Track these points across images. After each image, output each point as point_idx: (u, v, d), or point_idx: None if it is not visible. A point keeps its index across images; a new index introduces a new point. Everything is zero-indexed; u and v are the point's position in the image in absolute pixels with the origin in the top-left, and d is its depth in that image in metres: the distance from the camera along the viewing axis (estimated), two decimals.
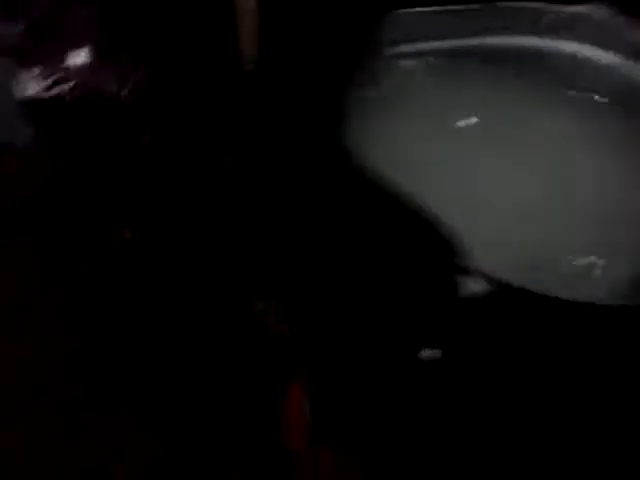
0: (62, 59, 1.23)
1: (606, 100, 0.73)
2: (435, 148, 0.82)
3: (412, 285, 0.64)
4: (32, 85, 1.18)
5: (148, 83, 1.19)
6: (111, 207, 1.03)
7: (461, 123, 0.82)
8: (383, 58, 0.75)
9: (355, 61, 0.73)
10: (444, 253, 0.60)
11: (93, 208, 1.03)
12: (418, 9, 0.73)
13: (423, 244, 0.65)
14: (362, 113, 0.72)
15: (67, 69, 1.21)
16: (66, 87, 1.18)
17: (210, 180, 0.98)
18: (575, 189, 0.79)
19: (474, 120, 0.82)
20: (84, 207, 1.04)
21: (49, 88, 1.18)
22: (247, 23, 1.17)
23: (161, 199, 1.01)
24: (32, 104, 1.13)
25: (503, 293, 0.56)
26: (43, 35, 1.27)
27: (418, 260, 0.63)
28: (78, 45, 1.25)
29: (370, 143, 0.66)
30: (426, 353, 0.62)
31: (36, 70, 1.20)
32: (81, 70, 1.22)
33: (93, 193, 1.05)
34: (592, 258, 0.73)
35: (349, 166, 0.66)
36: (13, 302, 0.95)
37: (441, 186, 0.78)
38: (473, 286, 0.55)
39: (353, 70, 0.73)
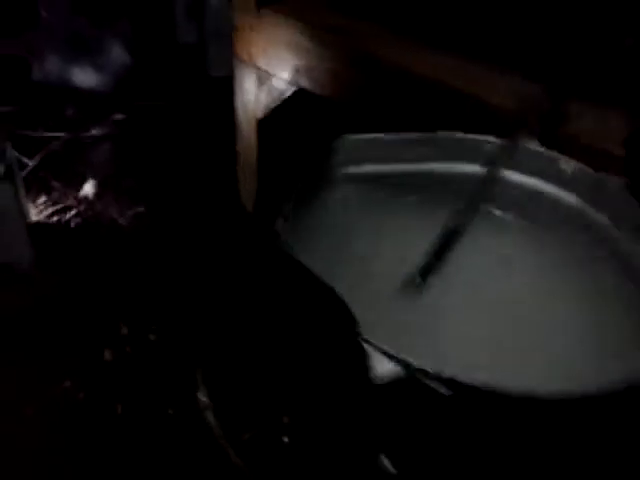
0: (68, 191, 1.34)
1: (526, 221, 0.80)
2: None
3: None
4: (37, 212, 1.27)
5: (146, 215, 1.29)
6: (102, 326, 1.06)
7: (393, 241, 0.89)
8: (332, 178, 0.83)
9: (310, 183, 0.80)
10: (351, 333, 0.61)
11: (85, 326, 1.07)
12: (367, 135, 0.83)
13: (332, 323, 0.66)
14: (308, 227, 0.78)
15: (72, 199, 1.32)
16: (69, 215, 1.28)
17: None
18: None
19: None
20: (77, 325, 1.07)
21: (52, 215, 1.27)
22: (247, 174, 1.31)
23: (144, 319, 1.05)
24: (35, 228, 1.21)
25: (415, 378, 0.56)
26: (53, 170, 1.39)
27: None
28: (84, 180, 1.37)
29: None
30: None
31: (42, 199, 1.31)
32: (84, 200, 1.32)
33: (86, 312, 1.09)
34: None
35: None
36: None
37: None
38: (379, 367, 0.55)
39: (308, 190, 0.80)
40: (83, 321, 1.07)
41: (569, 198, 0.80)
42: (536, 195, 0.83)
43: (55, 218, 1.27)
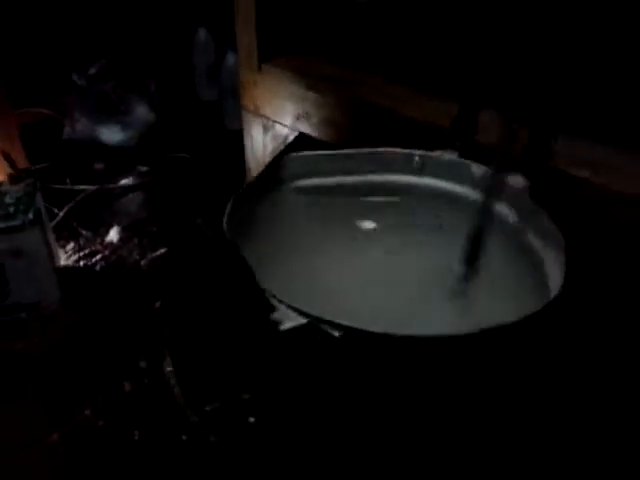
0: (94, 237, 1.45)
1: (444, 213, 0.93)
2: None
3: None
4: (65, 257, 1.38)
5: (167, 258, 1.39)
6: (123, 360, 1.14)
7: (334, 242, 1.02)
8: (282, 190, 0.92)
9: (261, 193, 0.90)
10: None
11: (107, 360, 1.14)
12: (314, 152, 0.92)
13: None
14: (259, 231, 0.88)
15: (98, 245, 1.42)
16: (95, 259, 1.38)
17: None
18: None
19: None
20: (99, 359, 1.15)
21: (79, 260, 1.37)
22: None
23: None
24: (63, 271, 1.31)
25: (314, 326, 0.65)
26: (81, 218, 1.51)
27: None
28: (110, 227, 1.48)
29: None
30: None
31: (70, 245, 1.42)
32: (110, 245, 1.42)
33: (108, 348, 1.17)
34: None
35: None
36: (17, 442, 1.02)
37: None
38: (283, 320, 0.64)
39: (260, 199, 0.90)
40: (105, 356, 1.15)
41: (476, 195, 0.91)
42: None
43: (82, 262, 1.37)
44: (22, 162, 1.38)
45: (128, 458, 0.97)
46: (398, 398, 0.78)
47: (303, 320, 0.65)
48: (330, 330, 0.63)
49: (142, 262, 1.37)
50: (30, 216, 1.15)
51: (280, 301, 0.66)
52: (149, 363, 1.12)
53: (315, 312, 0.65)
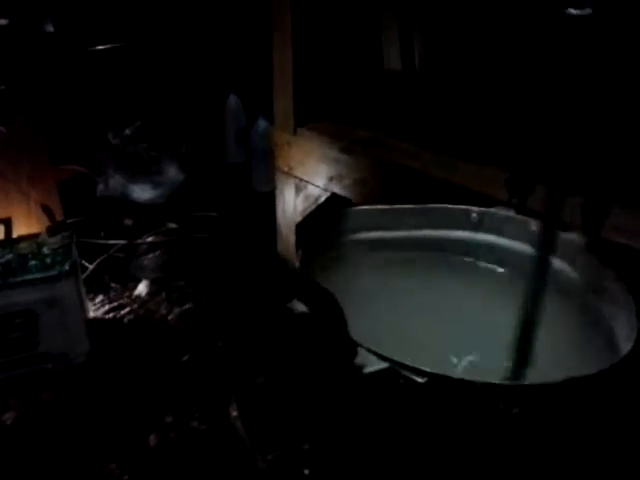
0: (123, 291, 1.47)
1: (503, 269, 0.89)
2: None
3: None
4: (94, 309, 1.40)
5: (192, 313, 1.40)
6: (149, 414, 1.13)
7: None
8: (342, 244, 0.94)
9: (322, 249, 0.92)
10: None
11: (133, 414, 1.14)
12: (367, 207, 0.95)
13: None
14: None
15: (127, 298, 1.44)
16: (123, 312, 1.39)
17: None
18: None
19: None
20: (125, 412, 1.14)
21: (109, 312, 1.39)
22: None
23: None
24: (92, 323, 1.33)
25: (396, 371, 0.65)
26: (111, 272, 1.53)
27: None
28: (138, 281, 1.50)
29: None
30: None
31: (100, 297, 1.44)
32: (138, 299, 1.44)
33: (134, 401, 1.16)
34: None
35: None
36: None
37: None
38: (366, 362, 0.64)
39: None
40: (131, 409, 1.14)
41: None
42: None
43: (111, 314, 1.38)
44: (59, 216, 1.42)
45: None
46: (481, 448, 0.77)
47: (384, 364, 0.66)
48: (412, 375, 0.64)
49: (169, 316, 1.39)
50: (66, 267, 1.18)
51: (365, 347, 0.68)
52: (175, 417, 1.12)
53: (396, 357, 0.66)
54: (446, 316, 1.00)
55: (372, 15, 1.40)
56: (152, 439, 1.08)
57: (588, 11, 0.73)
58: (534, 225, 0.89)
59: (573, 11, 0.75)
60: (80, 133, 1.93)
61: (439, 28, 1.32)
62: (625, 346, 0.71)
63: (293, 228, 1.36)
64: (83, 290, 1.33)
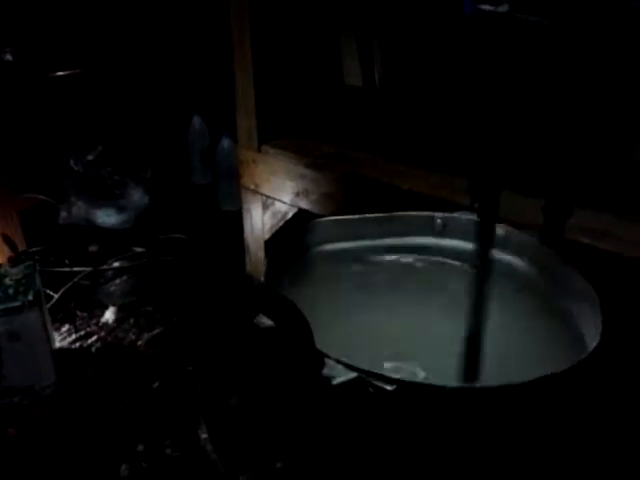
0: (90, 319, 1.43)
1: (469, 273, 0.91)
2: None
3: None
4: (60, 339, 1.36)
5: (162, 338, 1.37)
6: (117, 444, 1.10)
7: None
8: (308, 257, 0.94)
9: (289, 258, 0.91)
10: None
11: (103, 444, 1.10)
12: (332, 218, 0.94)
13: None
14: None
15: (94, 326, 1.41)
16: (91, 340, 1.36)
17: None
18: None
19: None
20: (95, 443, 1.11)
21: (75, 341, 1.36)
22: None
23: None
24: (58, 353, 1.29)
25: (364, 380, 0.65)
26: (77, 300, 1.50)
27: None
28: (105, 308, 1.47)
29: None
30: None
31: (66, 327, 1.40)
32: (105, 326, 1.41)
33: (104, 431, 1.13)
34: None
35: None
36: None
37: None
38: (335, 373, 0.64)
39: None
40: (101, 439, 1.11)
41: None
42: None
43: (77, 344, 1.35)
44: (21, 245, 1.39)
45: None
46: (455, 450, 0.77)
47: (353, 374, 0.65)
48: (380, 384, 0.64)
49: (138, 342, 1.36)
50: (30, 297, 1.15)
51: (333, 358, 0.67)
52: (146, 446, 1.09)
53: (365, 366, 0.66)
54: (415, 324, 1.00)
55: (330, 33, 1.42)
56: (123, 469, 1.05)
57: (505, 8, 0.73)
58: (498, 228, 0.90)
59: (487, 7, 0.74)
60: (41, 161, 1.90)
61: (396, 45, 1.34)
62: (592, 342, 0.72)
63: (262, 245, 1.35)
64: (48, 320, 1.29)
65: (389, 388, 0.64)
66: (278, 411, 1.01)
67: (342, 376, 0.66)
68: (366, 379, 0.65)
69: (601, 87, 0.90)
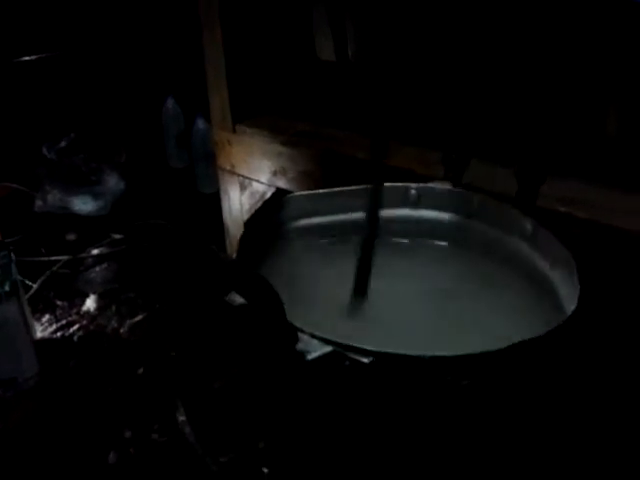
0: (71, 308, 1.42)
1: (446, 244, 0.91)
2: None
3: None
4: (41, 330, 1.34)
5: (144, 324, 1.36)
6: (107, 431, 1.10)
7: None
8: (282, 232, 0.93)
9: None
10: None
11: (90, 433, 1.10)
12: (305, 192, 0.94)
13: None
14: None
15: (75, 315, 1.39)
16: (72, 329, 1.35)
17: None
18: None
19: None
20: (81, 432, 1.10)
21: (57, 331, 1.34)
22: None
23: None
24: (40, 344, 1.27)
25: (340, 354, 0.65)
26: (56, 289, 1.48)
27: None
28: (86, 296, 1.45)
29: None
30: None
31: (46, 317, 1.38)
32: (87, 315, 1.39)
33: (91, 420, 1.12)
34: None
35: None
36: None
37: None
38: (309, 348, 0.64)
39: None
40: (86, 428, 1.10)
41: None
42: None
43: (59, 333, 1.33)
44: None
45: None
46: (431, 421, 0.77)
47: (328, 348, 0.65)
48: (357, 357, 0.63)
49: (121, 329, 1.34)
50: (6, 288, 1.13)
51: (307, 332, 0.67)
52: (134, 432, 1.09)
53: (341, 339, 0.65)
54: (391, 297, 1.00)
55: (302, 6, 1.39)
56: (111, 457, 1.05)
57: None
58: (473, 197, 0.90)
59: None
60: (13, 149, 1.86)
61: (368, 18, 1.32)
62: (569, 306, 0.72)
63: (241, 226, 1.34)
64: (28, 311, 1.28)
65: (365, 361, 0.64)
66: (260, 392, 1.01)
67: (317, 350, 0.65)
68: (342, 352, 0.65)
69: (573, 53, 0.90)
